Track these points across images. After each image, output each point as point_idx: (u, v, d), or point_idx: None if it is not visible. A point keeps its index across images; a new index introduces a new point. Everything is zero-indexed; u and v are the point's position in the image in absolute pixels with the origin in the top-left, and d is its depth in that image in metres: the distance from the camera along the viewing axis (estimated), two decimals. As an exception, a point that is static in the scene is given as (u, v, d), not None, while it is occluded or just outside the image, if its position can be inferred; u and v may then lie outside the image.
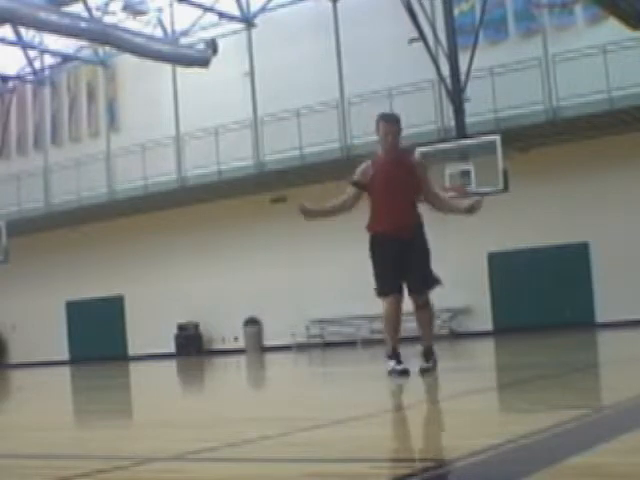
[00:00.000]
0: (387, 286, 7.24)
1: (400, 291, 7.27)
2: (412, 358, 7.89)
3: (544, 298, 21.62)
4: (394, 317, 7.23)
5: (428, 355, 7.42)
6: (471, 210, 7.46)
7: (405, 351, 7.44)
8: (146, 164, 26.43)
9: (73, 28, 21.22)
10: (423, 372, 7.21)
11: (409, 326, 8.15)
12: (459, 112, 18.24)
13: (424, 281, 7.37)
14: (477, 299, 22.59)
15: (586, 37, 20.79)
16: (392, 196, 7.24)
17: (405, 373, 7.05)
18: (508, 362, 10.11)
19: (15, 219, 26.70)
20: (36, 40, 28.00)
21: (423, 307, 7.41)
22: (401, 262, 7.22)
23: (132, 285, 28.17)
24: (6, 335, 31.37)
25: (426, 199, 7.51)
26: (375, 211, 7.37)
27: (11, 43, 27.61)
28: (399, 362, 7.16)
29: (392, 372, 7.12)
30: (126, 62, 26.84)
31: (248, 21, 25.53)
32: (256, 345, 25.51)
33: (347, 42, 24.08)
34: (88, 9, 23.94)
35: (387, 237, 7.27)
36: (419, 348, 7.49)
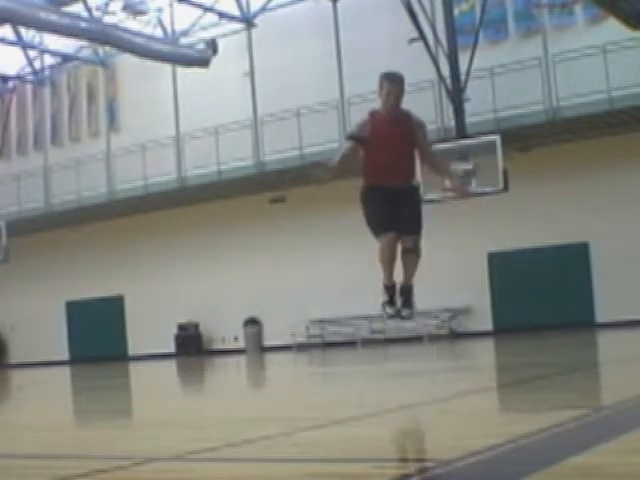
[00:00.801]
0: (382, 225, 7.28)
1: (394, 231, 7.30)
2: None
3: (544, 298, 21.61)
4: (388, 250, 7.28)
5: (407, 295, 7.53)
6: (465, 175, 7.81)
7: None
8: (146, 164, 26.43)
9: (73, 28, 21.21)
10: (402, 317, 7.42)
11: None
12: (459, 112, 18.23)
13: (417, 224, 7.42)
14: (477, 299, 22.58)
15: (586, 37, 20.79)
16: (390, 152, 7.25)
17: (395, 316, 7.36)
18: (508, 362, 10.11)
19: (15, 219, 26.70)
20: (36, 40, 28.00)
21: (411, 250, 7.42)
22: (395, 208, 7.27)
23: (132, 285, 28.17)
24: (6, 335, 31.37)
25: (423, 159, 7.59)
26: (371, 165, 7.35)
27: (11, 43, 27.60)
28: (391, 303, 7.39)
29: (384, 312, 7.41)
30: (126, 62, 26.83)
31: (248, 21, 25.53)
32: (256, 345, 25.51)
33: (347, 42, 24.08)
34: (88, 9, 23.94)
35: (382, 187, 7.29)
36: (398, 286, 7.65)
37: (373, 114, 7.41)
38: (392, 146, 7.27)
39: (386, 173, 7.32)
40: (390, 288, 7.45)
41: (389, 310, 7.43)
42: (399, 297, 7.58)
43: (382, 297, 7.56)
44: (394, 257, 7.38)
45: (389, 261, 7.34)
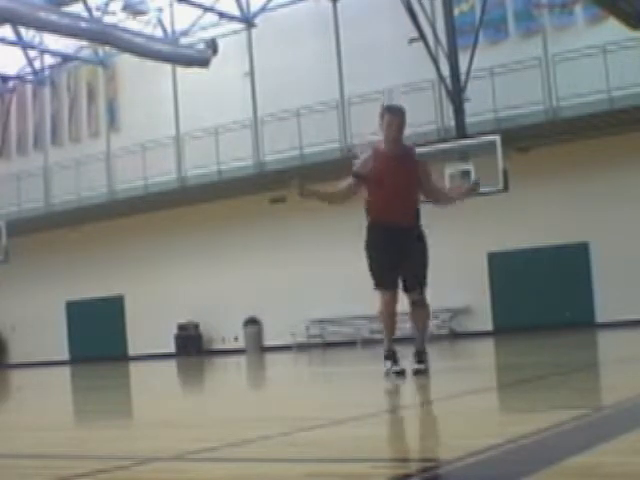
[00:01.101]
0: (386, 277, 7.11)
1: (397, 286, 7.16)
2: (406, 359, 7.86)
3: (544, 298, 21.62)
4: (391, 314, 7.14)
5: (421, 356, 7.30)
6: (472, 190, 7.68)
7: (401, 352, 7.42)
8: (146, 164, 26.43)
9: (73, 28, 21.21)
10: (416, 373, 7.12)
11: (404, 326, 8.11)
12: (459, 112, 18.24)
13: (423, 276, 7.25)
14: (477, 299, 22.59)
15: (586, 37, 20.79)
16: (392, 190, 7.11)
17: (401, 374, 7.02)
18: (508, 362, 10.11)
19: (15, 219, 26.70)
20: (36, 40, 28.01)
21: (420, 305, 7.27)
22: (399, 254, 7.11)
23: (132, 285, 28.17)
24: (6, 335, 31.37)
25: (427, 195, 7.42)
26: (374, 203, 7.23)
27: (11, 43, 27.61)
28: (395, 363, 7.13)
29: (389, 373, 7.09)
30: (126, 62, 26.83)
31: (248, 21, 25.53)
32: (256, 345, 25.51)
33: (347, 42, 24.08)
34: (88, 9, 23.94)
35: (386, 227, 7.15)
36: (412, 349, 7.40)
37: (375, 151, 7.27)
38: (394, 184, 7.11)
39: (388, 211, 7.16)
40: (392, 355, 7.16)
41: (397, 368, 7.08)
42: (414, 358, 7.29)
43: (384, 365, 7.17)
44: (394, 315, 7.17)
45: (389, 321, 7.15)
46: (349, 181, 7.26)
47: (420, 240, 7.28)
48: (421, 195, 7.41)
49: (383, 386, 6.68)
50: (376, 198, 7.19)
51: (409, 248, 7.15)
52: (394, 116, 7.19)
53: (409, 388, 6.42)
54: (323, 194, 7.38)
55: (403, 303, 7.35)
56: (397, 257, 7.11)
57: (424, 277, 7.26)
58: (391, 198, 7.13)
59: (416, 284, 7.21)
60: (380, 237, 7.16)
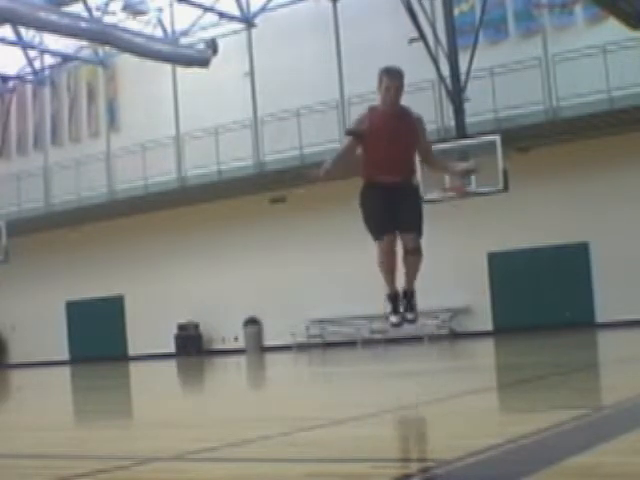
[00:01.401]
0: (381, 227, 7.18)
1: (394, 232, 7.23)
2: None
3: (544, 298, 21.62)
4: (389, 256, 7.19)
5: (410, 299, 7.54)
6: (467, 173, 7.65)
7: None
8: (146, 164, 26.43)
9: (73, 28, 21.21)
10: (407, 322, 7.48)
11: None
12: (459, 112, 18.24)
13: (417, 224, 7.33)
14: (477, 299, 22.59)
15: (586, 37, 20.79)
16: (389, 147, 7.14)
17: (397, 325, 7.46)
18: (508, 362, 10.11)
19: (15, 219, 26.70)
20: (36, 40, 28.00)
21: (413, 252, 7.33)
22: (394, 206, 7.17)
23: (132, 285, 28.17)
24: (6, 335, 31.37)
25: (421, 154, 7.50)
26: (370, 161, 7.25)
27: (11, 43, 27.61)
28: (395, 311, 7.43)
29: (389, 322, 7.51)
30: (126, 62, 26.83)
31: (248, 21, 25.53)
32: (256, 345, 25.51)
33: (347, 42, 24.08)
34: (88, 9, 23.93)
35: (382, 184, 7.20)
36: (401, 289, 7.61)
37: (372, 109, 7.30)
38: (391, 140, 7.12)
39: (385, 169, 7.18)
40: (394, 297, 7.40)
41: (394, 319, 7.40)
42: (402, 302, 7.52)
43: (386, 307, 7.53)
44: (395, 261, 7.23)
45: (389, 266, 7.22)
46: (344, 142, 7.34)
47: (415, 195, 7.50)
48: (417, 155, 7.51)
49: (385, 385, 6.68)
50: (373, 155, 7.21)
51: (404, 202, 7.25)
52: (392, 79, 7.21)
53: (409, 388, 6.42)
54: (332, 166, 7.33)
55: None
56: (393, 209, 7.18)
57: (419, 226, 7.35)
58: (388, 155, 7.16)
59: (411, 229, 7.29)
60: (376, 194, 7.22)
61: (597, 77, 19.87)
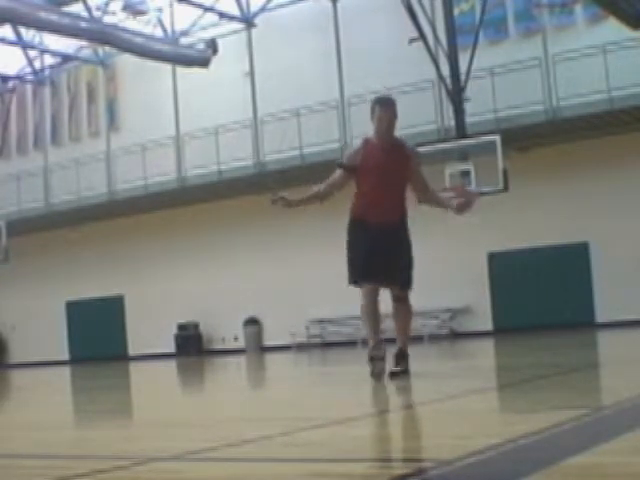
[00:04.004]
0: (365, 273, 6.80)
1: (379, 282, 6.84)
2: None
3: (544, 298, 21.62)
4: (370, 304, 6.78)
5: (401, 358, 7.00)
6: (461, 209, 6.98)
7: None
8: (146, 164, 26.44)
9: (73, 28, 21.22)
10: (392, 376, 6.77)
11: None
12: (459, 112, 18.24)
13: (407, 273, 7.00)
14: (477, 299, 22.58)
15: (586, 37, 20.80)
16: (381, 184, 6.87)
17: (379, 376, 6.74)
18: (508, 362, 10.11)
19: (15, 219, 26.71)
20: (36, 40, 28.01)
21: (403, 301, 7.00)
22: (382, 251, 6.83)
23: (132, 285, 28.17)
24: (6, 335, 31.37)
25: (417, 190, 7.11)
26: (361, 197, 6.99)
27: (11, 43, 27.62)
28: (376, 372, 6.76)
29: (372, 375, 6.79)
30: (126, 62, 26.84)
31: (248, 21, 25.53)
32: (256, 345, 25.51)
33: (347, 42, 24.09)
34: (88, 9, 23.94)
35: (370, 223, 6.88)
36: (393, 350, 7.11)
37: (366, 142, 7.03)
38: (382, 177, 6.86)
39: (375, 207, 6.88)
40: (377, 359, 6.69)
41: (377, 370, 6.69)
42: (393, 360, 6.97)
43: (368, 366, 6.77)
44: (378, 313, 6.79)
45: (372, 317, 6.77)
46: (336, 174, 7.04)
47: (406, 240, 7.02)
48: (412, 191, 7.11)
49: (385, 385, 6.67)
50: (363, 190, 6.95)
51: (394, 247, 6.91)
52: (385, 109, 6.93)
53: (409, 388, 6.42)
54: (307, 198, 7.18)
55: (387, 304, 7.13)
56: (381, 255, 6.84)
57: (409, 276, 7.02)
58: (379, 192, 6.88)
59: (399, 280, 6.96)
60: (365, 235, 6.88)
61: (597, 77, 19.87)
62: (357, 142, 7.27)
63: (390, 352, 7.03)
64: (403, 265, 7.00)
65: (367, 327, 6.92)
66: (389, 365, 6.95)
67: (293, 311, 24.80)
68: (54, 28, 21.10)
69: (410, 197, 7.22)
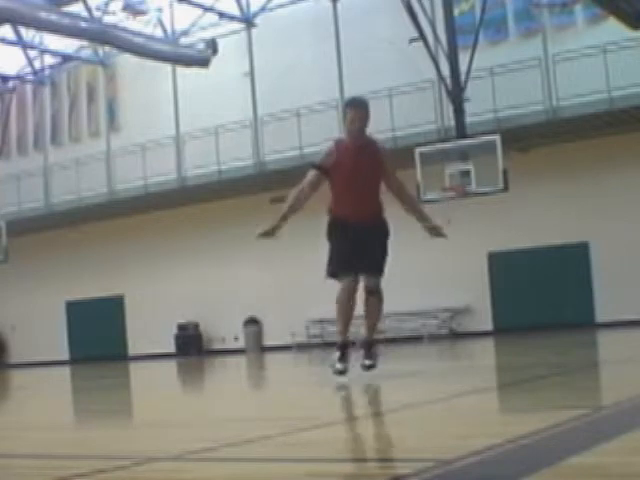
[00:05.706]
0: (343, 267, 7.03)
1: (356, 276, 7.05)
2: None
3: (544, 298, 21.62)
4: (347, 304, 6.99)
5: (369, 349, 7.26)
6: (432, 232, 7.44)
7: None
8: (146, 164, 26.43)
9: (73, 28, 21.21)
10: (366, 369, 7.14)
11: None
12: (459, 112, 18.23)
13: (380, 265, 7.19)
14: (477, 299, 22.58)
15: (586, 37, 20.80)
16: (356, 183, 7.07)
17: (342, 374, 6.97)
18: (508, 362, 10.11)
19: (15, 219, 26.71)
20: (36, 40, 28.01)
21: (374, 293, 7.18)
22: (360, 246, 7.05)
23: (132, 285, 28.17)
24: (6, 335, 31.38)
25: (391, 189, 7.32)
26: (337, 197, 7.20)
27: (11, 43, 27.60)
28: (343, 360, 7.01)
29: (332, 368, 7.04)
30: (126, 62, 26.84)
31: (248, 21, 25.53)
32: (256, 345, 25.51)
33: (347, 42, 24.08)
34: (88, 9, 23.92)
35: (349, 222, 7.10)
36: (361, 338, 7.37)
37: (338, 142, 7.22)
38: (356, 176, 7.03)
39: (351, 206, 7.09)
40: (343, 346, 7.00)
41: (339, 366, 6.96)
42: (363, 352, 7.25)
43: (333, 354, 7.05)
44: (352, 306, 7.00)
45: (345, 310, 6.98)
46: (310, 176, 7.23)
47: (383, 231, 7.24)
48: (387, 189, 7.32)
49: (385, 385, 6.67)
50: (339, 190, 7.16)
51: (371, 242, 7.12)
52: (356, 110, 7.11)
53: (409, 388, 6.42)
54: (286, 215, 7.61)
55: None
56: (358, 250, 7.05)
57: (382, 266, 7.21)
58: (354, 192, 7.08)
59: (372, 272, 7.15)
60: (343, 233, 7.12)
61: (597, 77, 19.87)
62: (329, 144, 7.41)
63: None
64: (378, 255, 7.23)
65: (338, 319, 7.15)
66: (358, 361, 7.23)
67: (293, 311, 24.80)
68: (54, 28, 21.10)
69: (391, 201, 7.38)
